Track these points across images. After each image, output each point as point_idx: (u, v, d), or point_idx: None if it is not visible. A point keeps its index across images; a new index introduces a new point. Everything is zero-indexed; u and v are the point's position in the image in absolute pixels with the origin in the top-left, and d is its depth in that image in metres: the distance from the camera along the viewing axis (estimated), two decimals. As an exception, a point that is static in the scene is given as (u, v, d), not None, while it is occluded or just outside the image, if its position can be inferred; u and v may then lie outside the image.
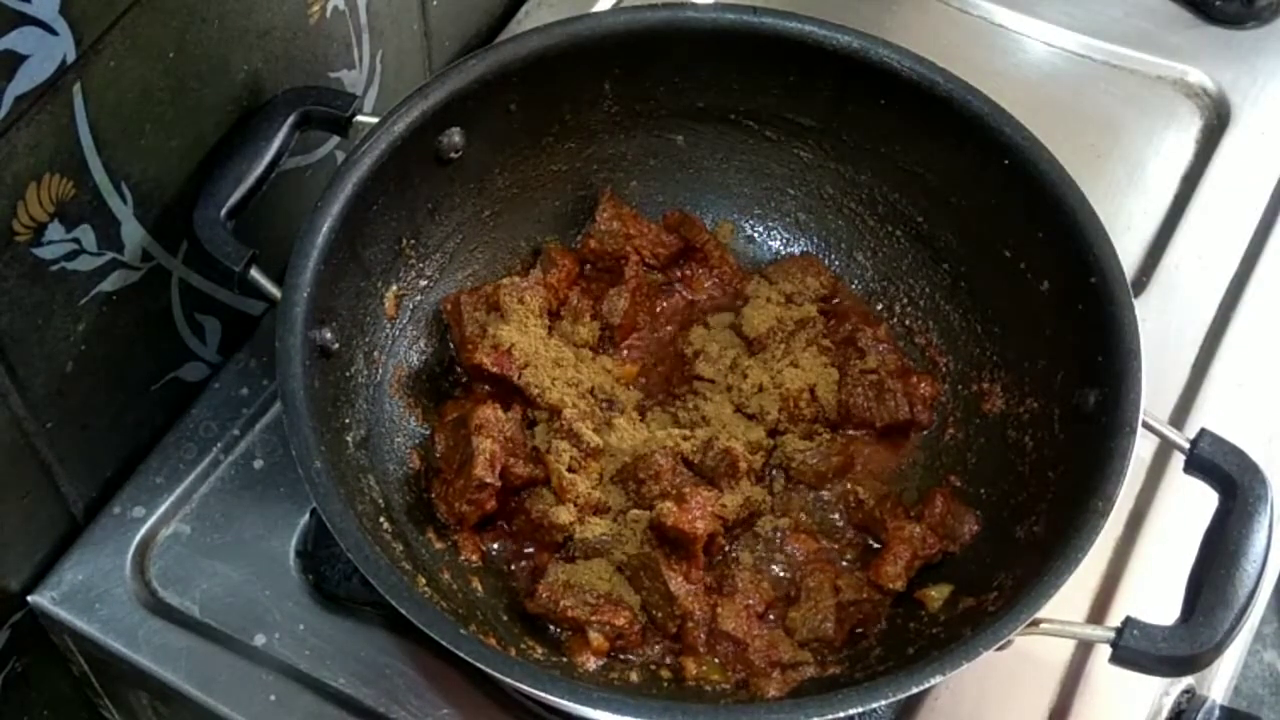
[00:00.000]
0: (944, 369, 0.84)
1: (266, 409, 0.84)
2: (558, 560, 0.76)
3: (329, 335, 0.74)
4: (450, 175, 0.80)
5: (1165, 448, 0.81)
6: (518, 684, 0.64)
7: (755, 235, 0.89)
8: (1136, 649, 0.66)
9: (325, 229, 0.73)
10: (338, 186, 0.74)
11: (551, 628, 0.75)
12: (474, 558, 0.77)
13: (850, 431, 0.82)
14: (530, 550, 0.78)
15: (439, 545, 0.76)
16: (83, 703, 0.88)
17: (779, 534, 0.79)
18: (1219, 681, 0.81)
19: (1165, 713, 0.78)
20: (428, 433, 0.80)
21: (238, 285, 0.73)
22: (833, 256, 0.88)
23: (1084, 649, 0.78)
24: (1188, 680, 0.79)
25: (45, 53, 0.62)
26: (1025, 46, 1.03)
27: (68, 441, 0.76)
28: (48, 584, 0.79)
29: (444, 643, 0.64)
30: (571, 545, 0.76)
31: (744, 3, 0.81)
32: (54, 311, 0.71)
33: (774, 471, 0.81)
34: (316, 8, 0.80)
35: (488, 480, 0.75)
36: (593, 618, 0.74)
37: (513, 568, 0.78)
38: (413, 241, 0.81)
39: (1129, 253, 0.92)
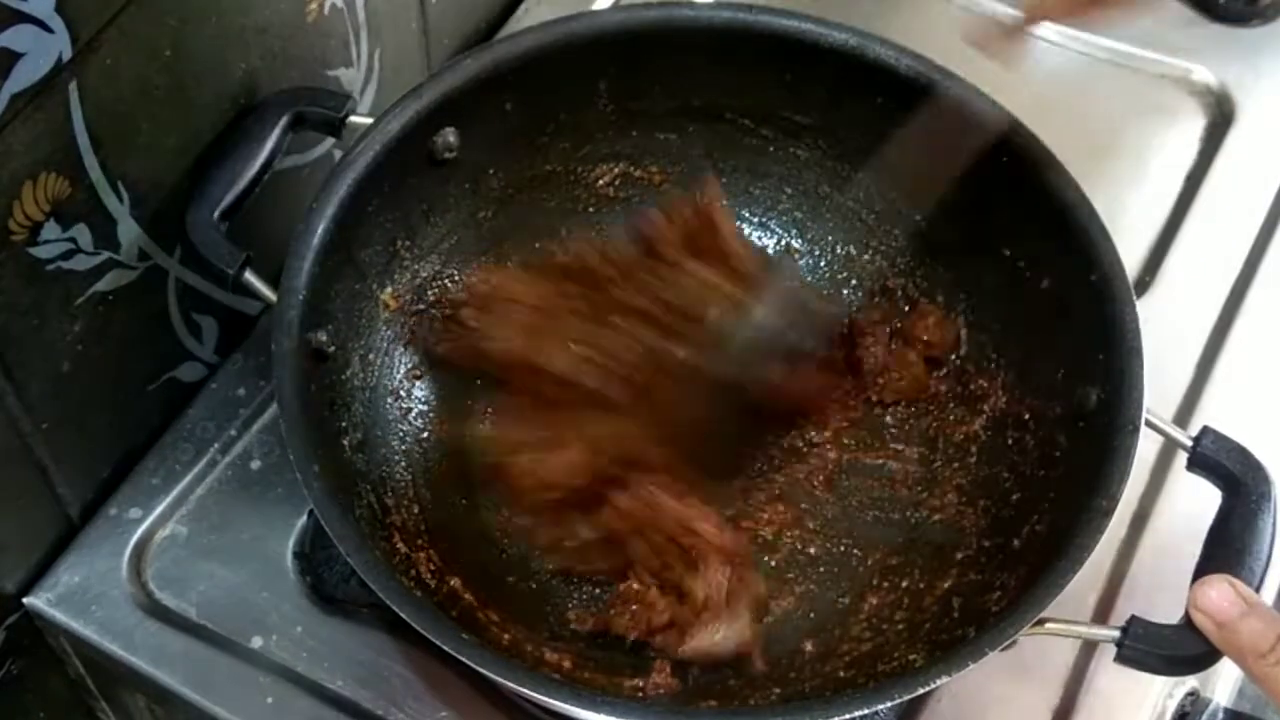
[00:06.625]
0: (943, 368, 0.83)
1: (264, 409, 0.84)
2: None
3: (324, 338, 0.73)
4: (445, 176, 0.80)
5: (1168, 446, 0.81)
6: (518, 687, 0.64)
7: (752, 234, 0.88)
8: (1142, 648, 0.65)
9: (320, 231, 0.72)
10: (332, 188, 0.73)
11: None
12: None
13: None
14: None
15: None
16: (79, 705, 0.88)
17: None
18: (1223, 684, 0.80)
19: (1169, 715, 0.77)
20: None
21: (232, 288, 0.73)
22: (830, 255, 0.87)
23: (1088, 649, 0.78)
24: (1192, 682, 0.78)
25: (41, 51, 0.62)
26: (1025, 45, 1.03)
27: (64, 442, 0.76)
28: (43, 586, 0.78)
29: (443, 646, 0.63)
30: None
31: (740, 1, 0.81)
32: (50, 311, 0.71)
33: None
34: (314, 5, 0.79)
35: None
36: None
37: None
38: (408, 243, 0.80)
39: (1132, 251, 0.92)
